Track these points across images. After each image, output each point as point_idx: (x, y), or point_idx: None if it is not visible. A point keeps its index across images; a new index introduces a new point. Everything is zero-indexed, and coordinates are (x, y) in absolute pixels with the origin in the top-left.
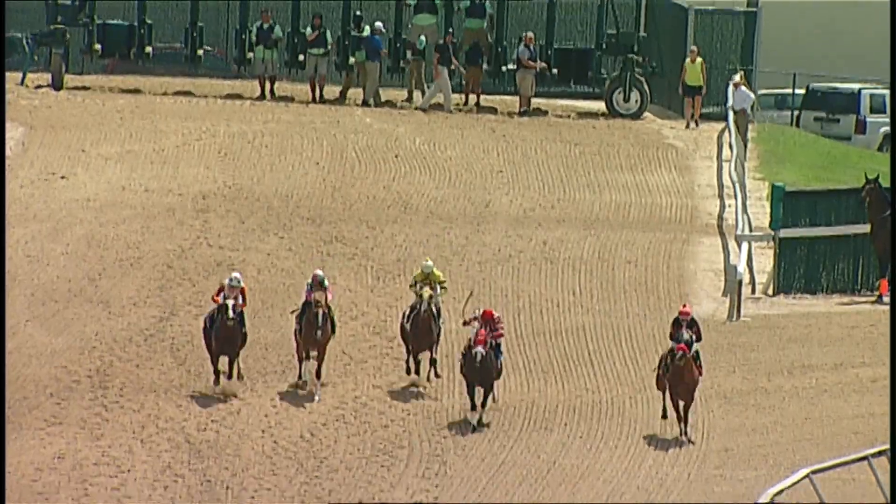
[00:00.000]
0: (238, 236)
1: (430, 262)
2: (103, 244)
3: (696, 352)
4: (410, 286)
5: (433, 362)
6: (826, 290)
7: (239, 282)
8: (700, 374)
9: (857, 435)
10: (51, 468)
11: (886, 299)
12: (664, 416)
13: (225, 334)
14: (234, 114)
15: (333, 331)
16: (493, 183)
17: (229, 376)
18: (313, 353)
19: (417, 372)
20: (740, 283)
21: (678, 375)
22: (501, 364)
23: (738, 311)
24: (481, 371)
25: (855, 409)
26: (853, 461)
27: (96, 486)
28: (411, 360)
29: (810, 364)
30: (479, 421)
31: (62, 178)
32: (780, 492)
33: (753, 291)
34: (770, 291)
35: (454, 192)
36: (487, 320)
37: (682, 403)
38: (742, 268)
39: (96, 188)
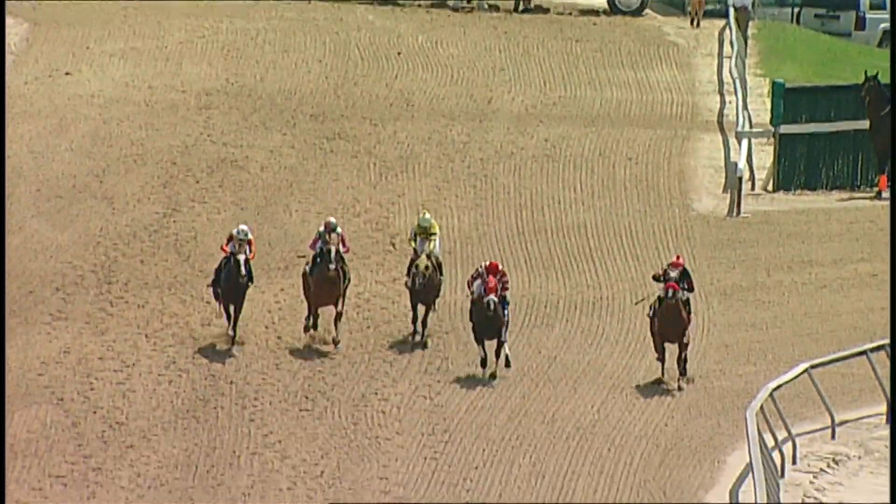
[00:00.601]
0: (241, 133)
1: (427, 216)
2: (107, 141)
3: (687, 300)
4: (409, 240)
5: (433, 311)
6: (825, 187)
7: (247, 234)
8: (689, 321)
9: (856, 330)
10: (56, 362)
11: (885, 195)
12: (662, 376)
13: (233, 286)
14: (238, 11)
15: (348, 278)
16: (494, 80)
17: (233, 326)
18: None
19: (424, 323)
20: (740, 179)
21: (669, 315)
22: (508, 316)
23: (738, 207)
24: (493, 320)
25: (854, 304)
26: (852, 356)
27: (101, 380)
28: (417, 314)
29: (809, 260)
30: (493, 374)
31: (66, 74)
32: (779, 386)
33: (753, 188)
34: (770, 188)
35: (456, 89)
36: (493, 272)
37: (675, 347)
38: (742, 164)
39: (101, 85)
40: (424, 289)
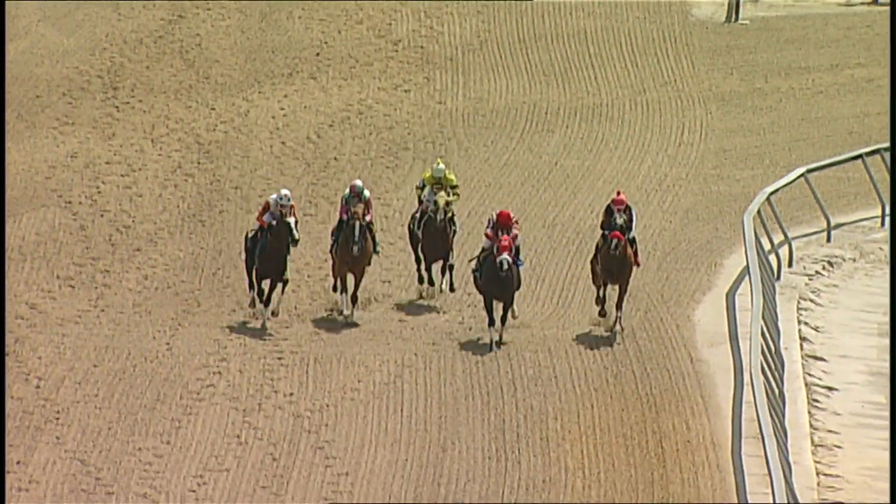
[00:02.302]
0: None
1: (441, 165)
2: None
3: (633, 238)
4: (417, 188)
5: (450, 269)
6: None
7: (289, 199)
8: (637, 263)
9: (852, 135)
10: (64, 166)
11: (883, 0)
12: (601, 314)
13: (273, 256)
14: None
15: (376, 251)
16: None
17: (267, 302)
18: (350, 277)
19: (431, 282)
20: None
21: (613, 264)
22: (521, 274)
23: (737, 13)
24: (504, 282)
25: (850, 109)
26: (848, 160)
27: (108, 184)
28: (423, 269)
29: (807, 65)
30: (500, 340)
31: None
32: (776, 190)
33: None
34: None
35: None
36: (504, 224)
37: (616, 291)
38: None
39: None
40: (434, 236)
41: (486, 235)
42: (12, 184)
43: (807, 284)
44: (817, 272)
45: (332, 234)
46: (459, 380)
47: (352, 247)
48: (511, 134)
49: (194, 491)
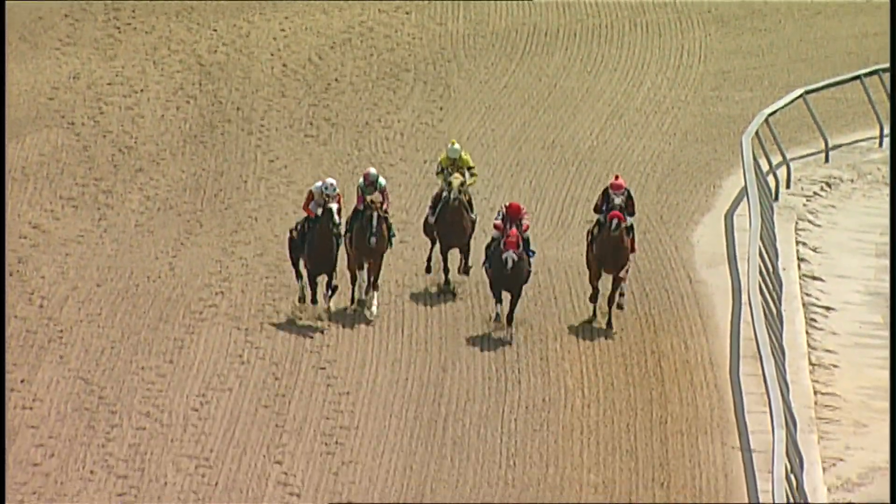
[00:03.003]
0: None
1: (457, 146)
2: None
3: (631, 226)
4: (437, 173)
5: (465, 266)
6: None
7: (335, 188)
8: (633, 250)
9: (851, 55)
10: (66, 87)
11: None
12: (593, 299)
13: (321, 249)
14: None
15: (391, 242)
16: None
17: (314, 300)
18: (365, 267)
19: (446, 270)
20: None
21: (609, 247)
22: (531, 264)
23: None
24: (511, 278)
25: (849, 30)
26: (846, 81)
27: (111, 104)
28: (434, 256)
29: None
30: (510, 339)
31: None
32: (775, 111)
33: None
34: None
35: None
36: (514, 216)
37: (611, 278)
38: None
39: None
40: (448, 220)
41: (496, 226)
42: (15, 105)
43: (805, 205)
44: (815, 193)
45: (347, 224)
46: (460, 300)
47: (369, 238)
48: (511, 55)
49: (197, 410)
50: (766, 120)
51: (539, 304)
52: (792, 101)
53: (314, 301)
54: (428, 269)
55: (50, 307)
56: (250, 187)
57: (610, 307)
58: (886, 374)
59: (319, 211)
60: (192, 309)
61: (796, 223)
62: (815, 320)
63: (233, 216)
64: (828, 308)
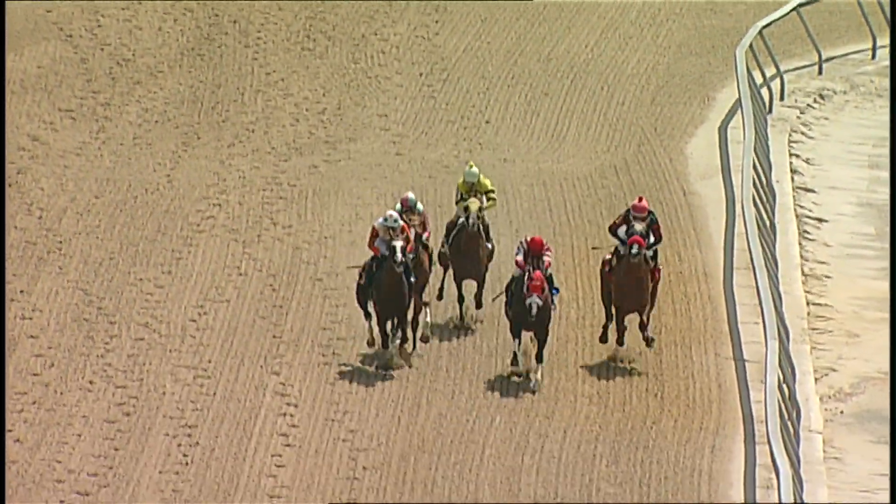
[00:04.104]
0: None
1: (474, 169)
2: None
3: (655, 253)
4: (457, 202)
5: (479, 299)
6: None
7: (397, 220)
8: (656, 279)
9: None
10: None
11: None
12: (604, 339)
13: (389, 291)
14: None
15: (422, 286)
16: None
17: (385, 344)
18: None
19: (461, 300)
20: None
21: (630, 278)
22: (556, 304)
23: None
24: (536, 323)
25: None
26: None
27: (108, 17)
28: (447, 283)
29: None
30: (538, 385)
31: None
32: (769, 24)
33: None
34: None
35: None
36: (536, 252)
37: (632, 313)
38: None
39: None
40: (465, 247)
41: (517, 263)
42: (13, 17)
43: (798, 117)
44: (808, 105)
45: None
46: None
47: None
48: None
49: (195, 321)
50: (761, 32)
51: (533, 217)
52: (786, 14)
53: (385, 346)
54: (440, 297)
55: (49, 219)
56: (247, 100)
57: (643, 334)
58: (878, 284)
59: (385, 249)
60: (190, 221)
61: (789, 135)
62: (807, 232)
63: (230, 129)
64: (820, 219)
